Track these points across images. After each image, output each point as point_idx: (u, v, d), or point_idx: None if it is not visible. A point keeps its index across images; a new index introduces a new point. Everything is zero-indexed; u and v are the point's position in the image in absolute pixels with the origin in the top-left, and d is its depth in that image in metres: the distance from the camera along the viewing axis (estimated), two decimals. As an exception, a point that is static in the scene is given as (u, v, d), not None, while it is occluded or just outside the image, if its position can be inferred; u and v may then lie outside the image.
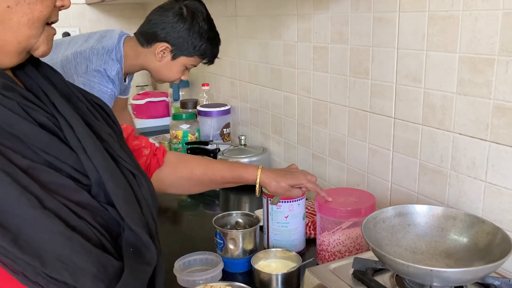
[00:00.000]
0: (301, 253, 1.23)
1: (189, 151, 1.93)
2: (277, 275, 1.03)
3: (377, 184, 1.28)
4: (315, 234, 1.29)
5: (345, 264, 0.95)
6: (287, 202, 1.17)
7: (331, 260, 1.12)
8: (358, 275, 0.89)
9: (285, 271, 1.05)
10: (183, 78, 1.59)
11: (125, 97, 1.89)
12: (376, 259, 0.91)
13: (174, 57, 1.50)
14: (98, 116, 0.72)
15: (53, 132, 0.61)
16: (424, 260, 0.91)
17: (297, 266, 1.06)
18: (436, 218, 0.96)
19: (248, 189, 1.69)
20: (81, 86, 1.34)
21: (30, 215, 0.54)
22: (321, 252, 1.14)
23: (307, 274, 0.93)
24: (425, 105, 1.09)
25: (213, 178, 1.11)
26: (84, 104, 0.70)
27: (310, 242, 1.27)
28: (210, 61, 1.59)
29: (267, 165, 1.77)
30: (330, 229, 1.11)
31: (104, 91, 1.43)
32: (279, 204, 1.16)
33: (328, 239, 1.11)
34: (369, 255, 0.98)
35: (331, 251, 1.11)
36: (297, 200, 1.18)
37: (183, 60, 1.51)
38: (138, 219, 0.67)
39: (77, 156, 0.62)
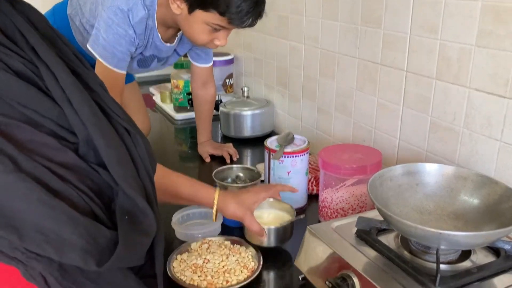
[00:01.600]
0: (303, 209, 1.20)
1: (190, 102, 1.88)
2: (268, 229, 0.99)
3: (384, 140, 1.22)
4: (317, 190, 1.26)
5: (348, 223, 0.91)
6: (290, 157, 1.12)
7: (333, 218, 1.09)
8: (362, 235, 0.86)
9: (277, 224, 1.01)
10: (217, 42, 1.20)
11: (162, 66, 1.49)
12: (381, 218, 0.87)
13: (190, 10, 1.15)
14: (86, 63, 0.64)
15: (32, 81, 0.53)
16: (431, 221, 0.87)
17: (291, 220, 1.02)
18: (446, 178, 0.91)
19: (250, 142, 1.66)
20: (101, 23, 1.23)
21: (2, 180, 0.46)
22: (323, 209, 1.11)
23: (308, 232, 0.90)
24: (440, 58, 1.02)
25: (168, 190, 0.98)
26: (70, 50, 0.62)
27: (312, 198, 1.24)
28: (240, 21, 1.13)
29: (270, 118, 1.71)
30: (333, 185, 1.07)
31: (121, 35, 1.20)
32: (281, 159, 1.12)
33: (331, 196, 1.07)
34: (373, 214, 0.94)
35: (333, 208, 1.08)
36: (300, 155, 1.13)
37: (200, 15, 1.14)
38: (134, 183, 0.58)
39: (60, 110, 0.54)
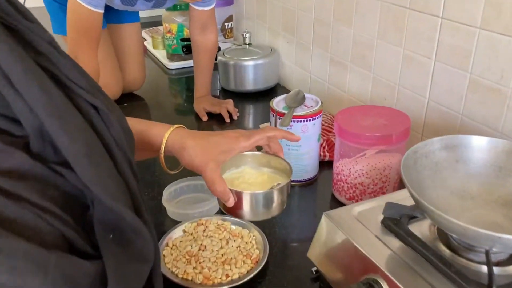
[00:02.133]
0: (313, 180, 1.04)
1: (185, 49, 1.68)
2: (248, 195, 0.71)
3: (409, 100, 1.05)
4: (330, 156, 1.10)
5: (373, 208, 0.75)
6: (300, 121, 0.95)
7: (350, 193, 0.93)
8: (390, 225, 0.71)
9: (258, 189, 0.73)
10: None
11: (155, 7, 1.34)
12: (412, 201, 0.72)
13: None
14: (28, 12, 0.45)
15: None
16: (475, 208, 0.72)
17: (280, 186, 0.72)
18: (493, 154, 0.74)
19: (252, 97, 1.47)
20: None
21: None
22: (338, 183, 0.95)
23: (324, 220, 0.74)
24: (488, 2, 0.82)
25: None
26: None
27: (324, 165, 1.08)
28: None
29: (275, 69, 1.52)
30: (351, 156, 0.91)
31: None
32: (290, 124, 0.95)
33: (349, 169, 0.91)
34: (402, 196, 0.78)
35: (351, 183, 0.92)
36: (312, 119, 0.96)
37: None
38: (114, 186, 0.42)
39: None
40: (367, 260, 0.67)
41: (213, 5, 1.32)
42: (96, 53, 1.14)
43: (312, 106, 0.99)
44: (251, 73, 1.46)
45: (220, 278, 0.76)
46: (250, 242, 0.84)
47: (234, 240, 0.84)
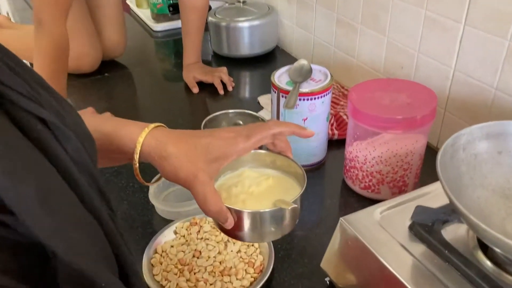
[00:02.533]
0: (322, 163, 0.92)
1: (171, 9, 1.50)
2: (250, 214, 0.53)
3: (431, 69, 0.91)
4: (340, 134, 0.97)
5: (399, 211, 0.63)
6: (307, 99, 0.81)
7: (365, 183, 0.81)
8: (421, 233, 0.59)
9: (267, 205, 0.54)
10: None
11: None
12: (445, 200, 0.60)
13: None
14: None
15: None
16: (522, 210, 0.60)
17: (294, 199, 0.53)
18: (544, 144, 0.62)
19: (248, 63, 1.32)
20: None
21: None
22: (351, 170, 0.83)
23: (341, 226, 0.62)
24: (540, -48, 0.67)
25: None
26: None
27: (332, 145, 0.95)
28: None
29: (273, 31, 1.35)
30: (368, 140, 0.78)
31: None
32: (296, 103, 0.81)
33: (364, 155, 0.79)
34: (431, 190, 0.66)
35: (367, 171, 0.80)
36: (321, 97, 0.82)
37: None
38: (79, 235, 0.31)
39: None
40: (395, 279, 0.55)
41: None
42: (64, 16, 0.98)
43: (320, 80, 0.85)
44: (247, 36, 1.30)
45: None
46: (252, 245, 0.72)
47: (234, 243, 0.72)
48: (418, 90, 0.79)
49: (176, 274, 0.68)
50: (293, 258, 0.72)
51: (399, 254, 0.58)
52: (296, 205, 0.53)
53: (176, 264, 0.69)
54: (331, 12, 1.14)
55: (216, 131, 0.54)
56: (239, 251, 0.71)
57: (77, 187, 0.31)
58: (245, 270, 0.68)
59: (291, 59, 1.35)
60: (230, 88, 1.18)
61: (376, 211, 0.63)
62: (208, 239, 0.73)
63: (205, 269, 0.68)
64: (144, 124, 0.53)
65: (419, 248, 0.58)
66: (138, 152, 0.51)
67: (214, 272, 0.68)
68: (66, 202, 0.30)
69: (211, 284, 0.66)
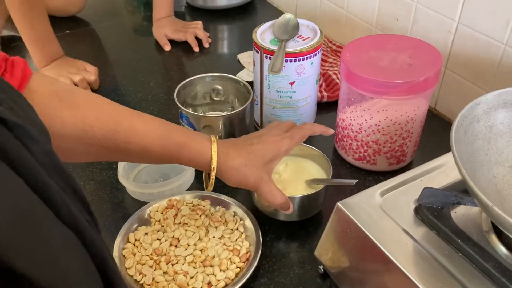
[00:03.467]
0: (310, 130, 0.83)
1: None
2: (294, 199, 0.63)
3: (431, 21, 0.81)
4: (329, 96, 0.88)
5: (402, 191, 0.56)
6: (295, 60, 0.72)
7: (360, 153, 0.73)
8: (429, 218, 0.52)
9: (303, 191, 0.65)
10: None
11: None
12: (455, 178, 0.53)
13: None
14: None
15: None
16: (543, 190, 0.53)
17: (325, 183, 0.65)
18: None
19: (225, 15, 1.19)
20: None
21: None
22: (344, 139, 0.74)
23: (338, 211, 0.55)
24: None
25: (127, 147, 0.53)
26: None
27: (321, 108, 0.86)
28: None
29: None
30: (363, 105, 0.69)
31: None
32: (282, 66, 0.71)
33: (359, 123, 0.70)
34: (437, 162, 0.59)
35: (362, 141, 0.71)
36: (310, 57, 0.72)
37: None
38: (56, 260, 0.25)
39: None
40: (394, 266, 0.48)
41: None
42: None
43: (308, 37, 0.74)
44: (223, -16, 1.17)
45: None
46: (237, 229, 0.64)
47: (216, 228, 0.64)
48: (420, 48, 0.70)
49: (151, 267, 0.60)
50: (283, 242, 0.65)
51: (404, 243, 0.50)
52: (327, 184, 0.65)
53: (151, 255, 0.61)
54: (317, -43, 1.02)
55: (264, 135, 0.61)
56: (222, 236, 0.63)
57: (50, 196, 0.27)
58: (230, 259, 0.60)
59: (273, 11, 1.23)
60: (206, 45, 1.07)
61: (376, 192, 0.56)
62: (186, 223, 0.65)
63: (185, 260, 0.60)
64: (207, 137, 0.58)
65: (426, 235, 0.51)
66: (214, 173, 0.56)
67: (195, 263, 0.60)
68: (39, 219, 0.25)
69: (191, 277, 0.59)
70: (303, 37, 0.75)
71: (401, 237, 0.51)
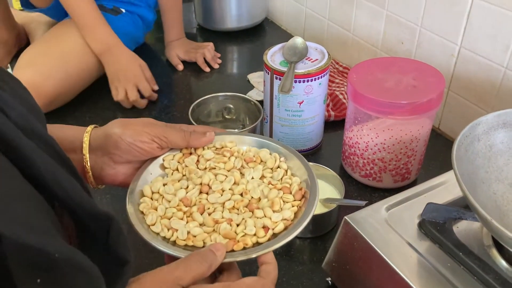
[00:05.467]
0: (318, 147, 0.86)
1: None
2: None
3: (434, 45, 0.84)
4: (336, 115, 0.91)
5: (406, 206, 0.59)
6: (303, 81, 0.75)
7: (366, 170, 0.76)
8: (432, 232, 0.54)
9: (317, 210, 0.56)
10: None
11: None
12: (457, 194, 0.56)
13: None
14: None
15: None
16: (541, 206, 0.55)
17: (339, 202, 0.67)
18: None
19: (236, 37, 1.23)
20: None
21: None
22: (351, 157, 0.77)
23: (345, 225, 0.57)
24: None
25: None
26: None
27: (328, 127, 0.89)
28: None
29: (262, 1, 1.27)
30: (369, 125, 0.72)
31: None
32: (291, 86, 0.74)
33: (366, 142, 0.73)
34: (441, 181, 0.62)
35: (368, 158, 0.74)
36: (318, 78, 0.76)
37: None
38: (22, 213, 0.29)
39: None
40: (399, 278, 0.51)
41: None
42: None
43: (317, 59, 0.78)
44: (234, 7, 1.21)
45: (255, 235, 0.47)
46: (278, 167, 0.54)
47: (253, 168, 0.54)
48: (423, 70, 0.73)
49: (182, 219, 0.48)
50: (293, 256, 0.67)
51: (408, 255, 0.53)
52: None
53: (178, 206, 0.50)
54: (325, -18, 1.07)
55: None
56: (262, 176, 0.53)
57: (25, 156, 0.30)
58: (282, 198, 0.50)
59: (282, 33, 1.27)
60: (215, 66, 1.10)
61: (382, 207, 0.58)
62: (215, 168, 0.54)
63: (223, 207, 0.49)
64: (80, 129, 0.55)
65: (430, 249, 0.53)
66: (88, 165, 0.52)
67: (237, 209, 0.49)
68: (6, 177, 0.29)
69: (238, 225, 0.47)
70: (311, 59, 0.78)
71: (406, 250, 0.53)
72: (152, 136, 0.53)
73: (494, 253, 0.53)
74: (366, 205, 0.63)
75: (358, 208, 0.61)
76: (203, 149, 0.56)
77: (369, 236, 0.55)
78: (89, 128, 0.54)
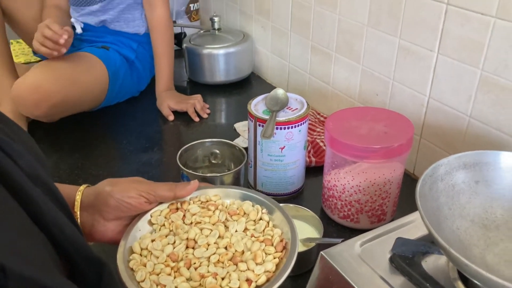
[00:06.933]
0: (299, 192, 0.91)
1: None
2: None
3: (406, 96, 0.92)
4: (317, 161, 0.97)
5: (379, 242, 0.63)
6: (285, 128, 0.81)
7: (344, 212, 0.80)
8: (402, 265, 0.58)
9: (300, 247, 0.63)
10: None
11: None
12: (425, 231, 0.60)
13: None
14: None
15: None
16: (502, 240, 0.60)
17: (318, 241, 0.71)
18: (519, 172, 0.62)
19: (223, 89, 1.31)
20: None
21: None
22: (330, 199, 0.82)
23: (322, 260, 0.61)
24: (508, -15, 0.69)
25: None
26: None
27: (309, 172, 0.94)
28: None
29: (248, 57, 1.35)
30: (345, 168, 0.77)
31: None
32: (273, 132, 0.80)
33: (343, 184, 0.78)
34: (411, 219, 0.66)
35: (345, 200, 0.79)
36: (298, 125, 0.82)
37: None
38: (26, 249, 0.32)
39: None
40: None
41: None
42: None
43: (297, 108, 0.84)
44: (222, 63, 1.29)
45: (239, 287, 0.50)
46: (261, 219, 0.59)
47: (236, 221, 0.58)
48: (394, 119, 0.79)
49: (170, 275, 0.52)
50: (273, 292, 0.70)
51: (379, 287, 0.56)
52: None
53: (166, 261, 0.53)
54: (306, 40, 1.15)
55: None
56: (246, 229, 0.57)
57: (31, 200, 0.34)
58: (264, 250, 0.54)
59: (267, 86, 1.35)
60: (204, 116, 1.17)
61: (356, 243, 0.62)
62: (200, 222, 0.57)
63: (209, 261, 0.53)
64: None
65: (400, 281, 0.57)
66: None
67: (222, 262, 0.53)
68: (14, 216, 0.32)
69: (223, 278, 0.51)
70: (292, 108, 0.84)
71: (378, 283, 0.57)
72: (139, 191, 0.57)
73: (460, 285, 0.56)
74: (342, 241, 0.67)
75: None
76: (189, 203, 0.60)
77: (343, 269, 0.58)
78: (82, 187, 0.59)
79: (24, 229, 0.33)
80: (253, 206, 0.60)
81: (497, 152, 0.62)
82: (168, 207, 0.60)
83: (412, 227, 0.65)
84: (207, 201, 0.60)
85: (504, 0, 0.70)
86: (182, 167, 0.78)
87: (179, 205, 0.60)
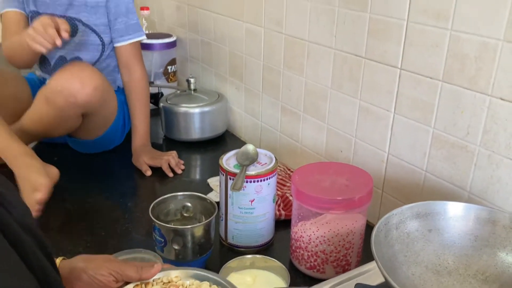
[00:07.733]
0: (269, 244, 0.94)
1: (124, 94, 1.55)
2: None
3: (367, 153, 0.98)
4: (286, 214, 1.01)
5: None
6: (254, 181, 0.85)
7: (310, 263, 0.83)
8: (362, 310, 0.61)
9: None
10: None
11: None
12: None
13: None
14: None
15: None
16: (453, 285, 0.64)
17: None
18: (468, 222, 0.68)
19: (198, 146, 1.36)
20: None
21: None
22: (297, 250, 0.85)
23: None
24: (451, 54, 0.77)
25: None
26: None
27: (279, 225, 0.98)
28: None
29: (223, 116, 1.42)
30: (311, 219, 0.81)
31: None
32: (243, 185, 0.85)
33: (309, 235, 0.82)
34: (371, 267, 0.70)
35: (312, 251, 0.82)
36: (267, 179, 0.87)
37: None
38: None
39: None
40: None
41: (134, 39, 1.25)
42: None
43: (266, 163, 0.89)
44: (197, 121, 1.35)
45: None
46: None
47: None
48: (355, 173, 0.85)
49: None
50: None
51: (342, 333, 0.59)
52: None
53: None
54: (276, 101, 1.23)
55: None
56: None
57: (23, 248, 0.38)
58: None
59: (240, 143, 1.41)
60: (179, 171, 1.21)
61: (320, 289, 0.66)
62: None
63: None
64: None
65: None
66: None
67: None
68: (11, 263, 0.36)
69: None
70: (261, 163, 0.89)
71: (340, 328, 0.60)
72: (110, 270, 0.62)
73: (417, 329, 0.60)
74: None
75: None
76: (152, 285, 0.64)
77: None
78: (58, 260, 0.63)
79: (19, 271, 0.37)
80: (210, 286, 0.64)
81: (445, 202, 0.67)
82: (133, 287, 0.64)
83: (372, 274, 0.69)
84: (169, 282, 0.64)
85: (449, 66, 0.78)
86: (155, 220, 0.81)
87: (143, 286, 0.64)
